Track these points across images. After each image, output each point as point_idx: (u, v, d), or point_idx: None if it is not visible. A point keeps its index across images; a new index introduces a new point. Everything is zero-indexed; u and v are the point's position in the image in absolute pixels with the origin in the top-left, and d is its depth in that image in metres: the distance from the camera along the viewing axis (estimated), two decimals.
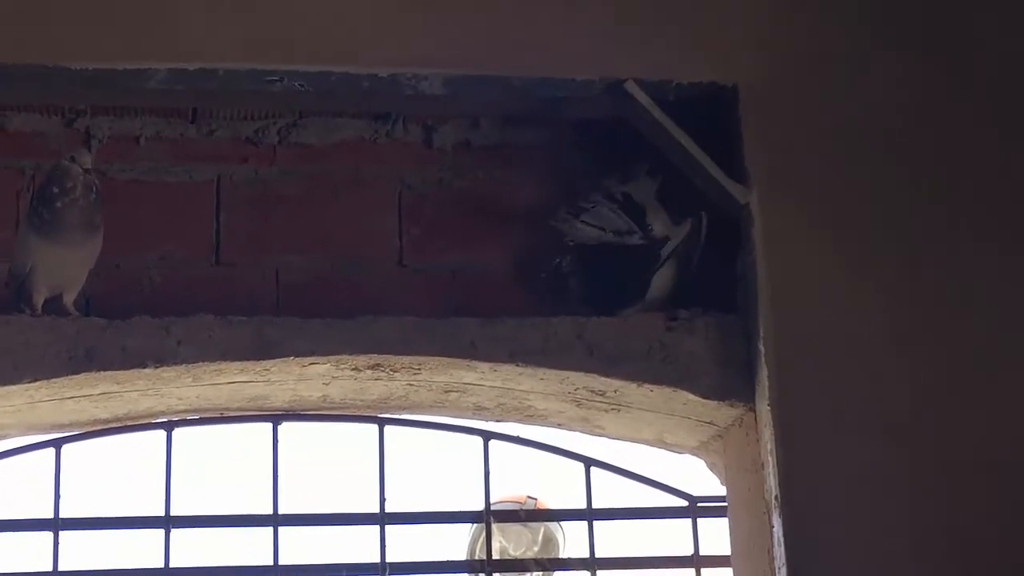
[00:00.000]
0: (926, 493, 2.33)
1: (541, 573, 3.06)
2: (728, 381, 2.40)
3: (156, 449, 2.49)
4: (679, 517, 2.61)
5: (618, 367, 2.39)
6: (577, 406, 2.51)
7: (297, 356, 2.34)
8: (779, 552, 2.30)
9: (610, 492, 2.61)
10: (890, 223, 2.43)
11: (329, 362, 2.37)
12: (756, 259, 2.40)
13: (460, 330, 2.38)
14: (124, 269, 2.46)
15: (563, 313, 2.43)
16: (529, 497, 3.11)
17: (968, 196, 2.46)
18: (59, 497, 2.46)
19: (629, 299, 2.45)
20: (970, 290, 2.42)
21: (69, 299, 2.37)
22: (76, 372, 2.29)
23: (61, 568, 2.43)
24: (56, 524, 2.45)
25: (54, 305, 2.36)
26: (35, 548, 2.45)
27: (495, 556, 2.63)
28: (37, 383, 2.29)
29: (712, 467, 2.61)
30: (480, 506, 2.58)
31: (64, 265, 2.34)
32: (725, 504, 2.54)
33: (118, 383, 2.35)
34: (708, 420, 2.48)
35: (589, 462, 2.58)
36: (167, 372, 2.33)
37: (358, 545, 2.54)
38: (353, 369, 2.40)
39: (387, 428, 2.54)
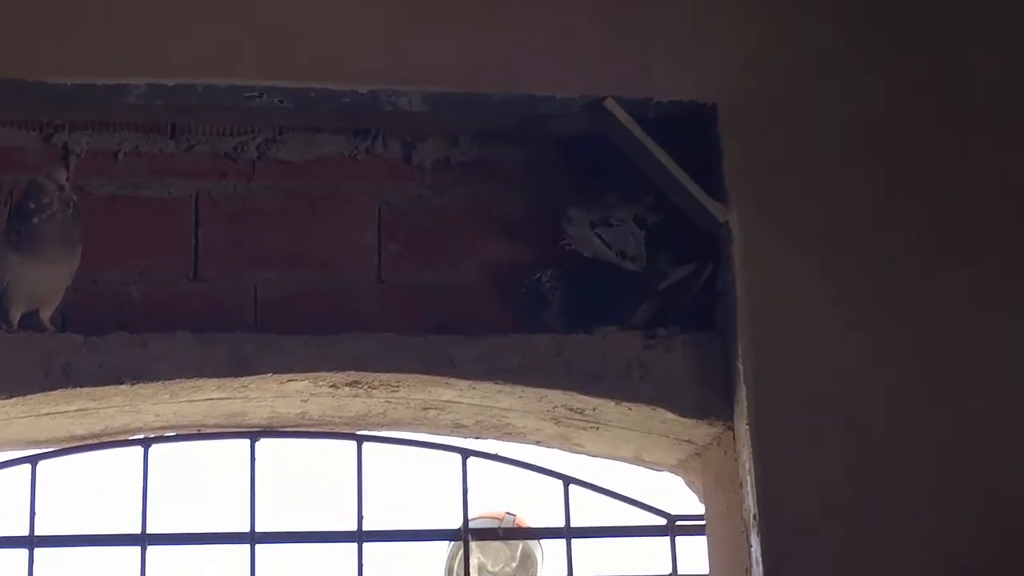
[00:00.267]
0: (906, 511, 2.33)
1: None
2: (706, 399, 2.40)
3: (133, 466, 2.48)
4: (657, 535, 2.61)
5: (597, 385, 2.39)
6: (556, 424, 2.51)
7: (275, 373, 2.33)
8: (757, 571, 2.30)
9: (588, 510, 2.61)
10: (869, 241, 2.44)
11: (307, 379, 2.36)
12: (735, 277, 2.40)
13: (439, 347, 2.38)
14: (101, 284, 2.45)
15: (541, 329, 2.43)
16: (508, 513, 3.11)
17: (948, 213, 2.46)
18: (34, 514, 2.44)
19: (609, 319, 2.44)
20: (950, 306, 2.42)
21: (46, 315, 2.36)
22: (52, 388, 2.28)
23: None
24: (31, 541, 2.43)
25: (30, 320, 2.35)
26: (10, 565, 2.44)
27: (473, 573, 2.62)
28: (12, 399, 2.28)
29: (690, 485, 2.61)
30: (458, 523, 2.57)
31: (41, 281, 2.33)
32: (703, 522, 2.54)
33: (95, 399, 2.34)
34: (686, 438, 2.48)
35: (567, 480, 2.57)
36: (144, 388, 2.32)
37: (336, 563, 2.53)
38: (331, 386, 2.39)
39: (365, 445, 2.53)
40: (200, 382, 2.33)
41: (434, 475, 2.69)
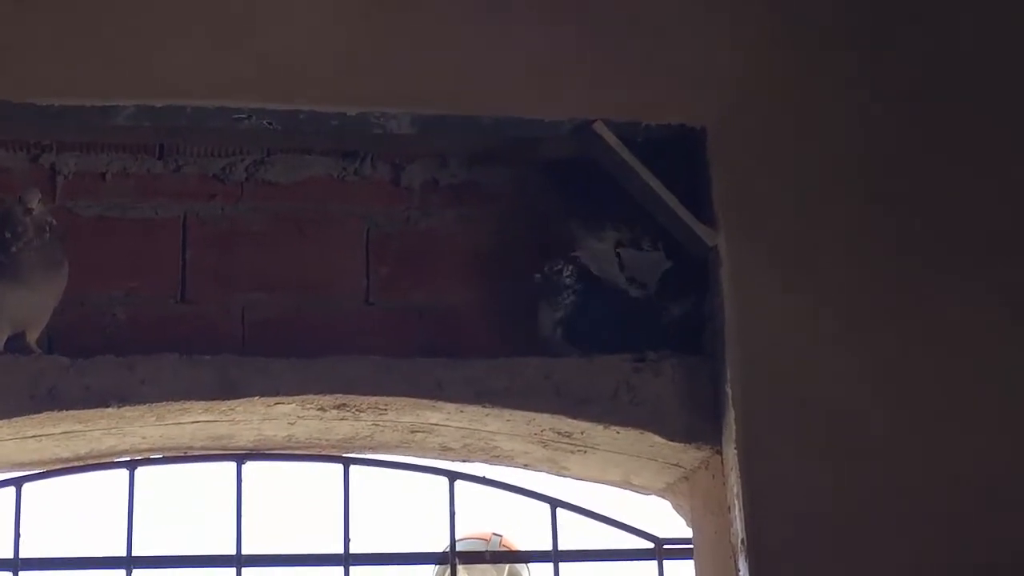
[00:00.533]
0: (895, 535, 2.33)
1: None
2: (695, 423, 2.40)
3: (118, 488, 2.47)
4: (645, 559, 2.60)
5: (585, 408, 2.38)
6: (544, 447, 2.51)
7: (262, 396, 2.33)
8: None
9: (576, 533, 2.60)
10: (860, 265, 2.44)
11: (295, 402, 2.35)
12: (724, 301, 2.40)
13: (426, 370, 2.37)
14: (88, 306, 2.44)
15: (532, 352, 2.42)
16: (494, 534, 3.10)
17: (938, 236, 2.47)
18: (19, 536, 2.42)
19: (604, 343, 2.44)
20: (939, 330, 2.43)
21: (32, 337, 2.35)
22: (38, 411, 2.27)
23: None
24: (16, 564, 2.41)
25: (16, 343, 2.34)
26: None
27: None
28: None
29: (679, 509, 2.60)
30: (446, 546, 2.56)
31: (26, 305, 2.32)
32: (691, 546, 2.54)
33: (80, 422, 2.33)
34: (675, 462, 2.48)
35: (555, 503, 2.57)
36: (130, 411, 2.31)
37: None
38: (319, 409, 2.39)
39: (352, 468, 2.52)
40: (187, 405, 2.32)
41: (421, 498, 2.68)
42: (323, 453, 2.55)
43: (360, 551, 2.51)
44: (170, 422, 2.38)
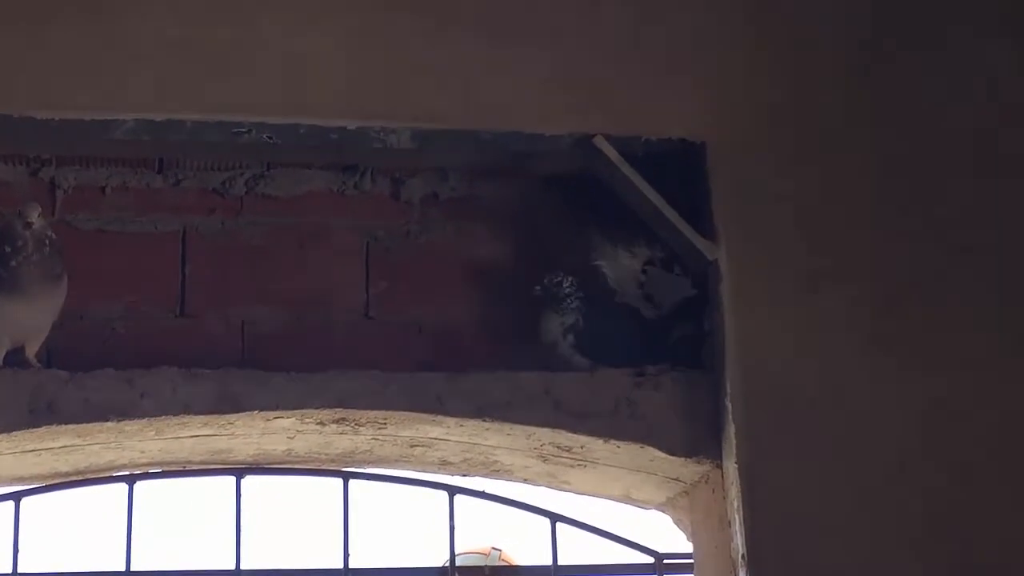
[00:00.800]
0: (895, 550, 2.33)
1: None
2: (695, 438, 2.39)
3: (118, 503, 2.46)
4: (645, 574, 2.59)
5: (585, 423, 2.38)
6: (544, 461, 2.50)
7: (262, 410, 2.32)
8: None
9: (576, 548, 2.60)
10: (859, 279, 2.44)
11: (294, 416, 2.35)
12: (724, 315, 2.40)
13: (426, 384, 2.37)
14: (87, 320, 2.44)
15: (532, 366, 2.42)
16: (494, 548, 3.09)
17: (939, 250, 2.47)
18: (18, 551, 2.42)
19: (605, 355, 2.43)
20: (941, 345, 2.42)
21: (31, 351, 2.35)
22: (37, 425, 2.27)
23: None
24: None
25: (15, 357, 2.34)
26: None
27: None
28: None
29: (679, 523, 2.60)
30: (445, 560, 2.56)
31: (25, 319, 2.32)
32: (691, 561, 2.54)
33: (80, 436, 2.32)
34: (675, 476, 2.47)
35: (555, 517, 2.56)
36: (129, 425, 2.31)
37: None
38: (318, 423, 2.38)
39: (352, 482, 2.52)
40: (186, 419, 2.32)
41: (421, 512, 2.67)
42: (322, 467, 2.55)
43: (360, 566, 2.50)
44: (169, 436, 2.37)
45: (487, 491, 2.58)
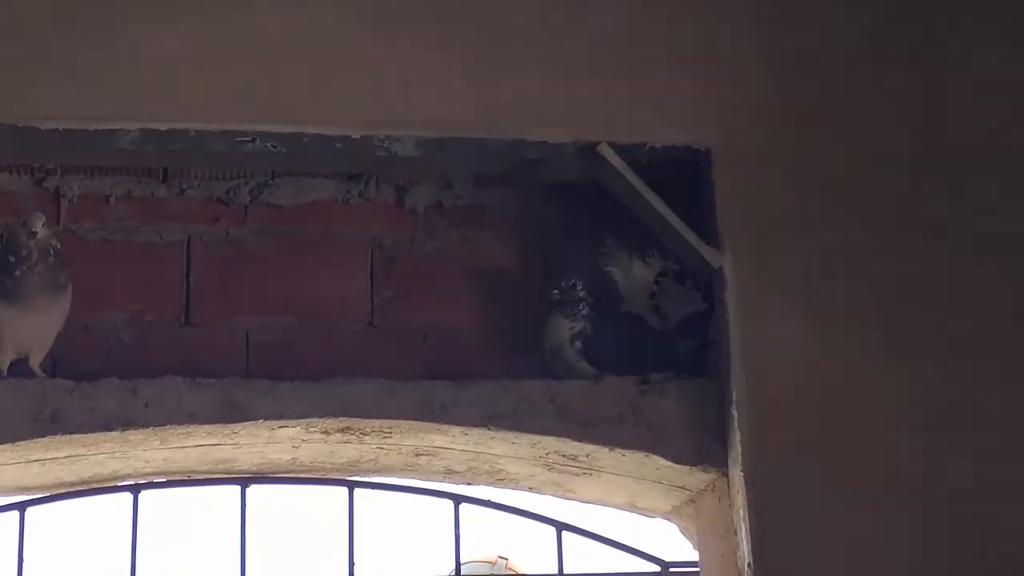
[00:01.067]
0: (901, 559, 2.32)
1: None
2: (701, 446, 2.39)
3: (122, 512, 2.46)
4: None
5: (590, 431, 2.38)
6: (549, 470, 2.50)
7: (266, 419, 2.32)
8: None
9: (582, 556, 2.59)
10: (865, 286, 2.44)
11: (299, 425, 2.35)
12: (729, 323, 2.40)
13: (431, 393, 2.36)
14: (92, 330, 2.44)
15: (537, 374, 2.41)
16: (500, 557, 3.09)
17: (945, 259, 2.46)
18: (23, 561, 2.42)
19: (610, 362, 2.43)
20: (945, 354, 2.42)
21: (36, 361, 2.35)
22: (42, 435, 2.27)
23: None
24: None
25: (20, 367, 2.34)
26: None
27: None
28: (2, 446, 2.27)
29: (685, 532, 2.59)
30: (451, 570, 2.55)
31: (30, 328, 2.32)
32: (698, 569, 2.53)
33: (84, 446, 2.32)
34: (680, 485, 2.47)
35: (560, 526, 2.56)
36: (134, 435, 2.30)
37: None
38: (323, 432, 2.38)
39: (357, 491, 2.52)
40: (191, 428, 2.32)
41: (426, 521, 2.67)
42: (327, 476, 2.54)
43: (365, 575, 2.50)
44: (174, 446, 2.37)
45: (492, 500, 2.58)
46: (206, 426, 2.32)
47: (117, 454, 2.38)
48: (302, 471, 2.53)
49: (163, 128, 2.36)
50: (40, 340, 2.34)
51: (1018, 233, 2.48)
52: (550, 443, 2.39)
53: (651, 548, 2.60)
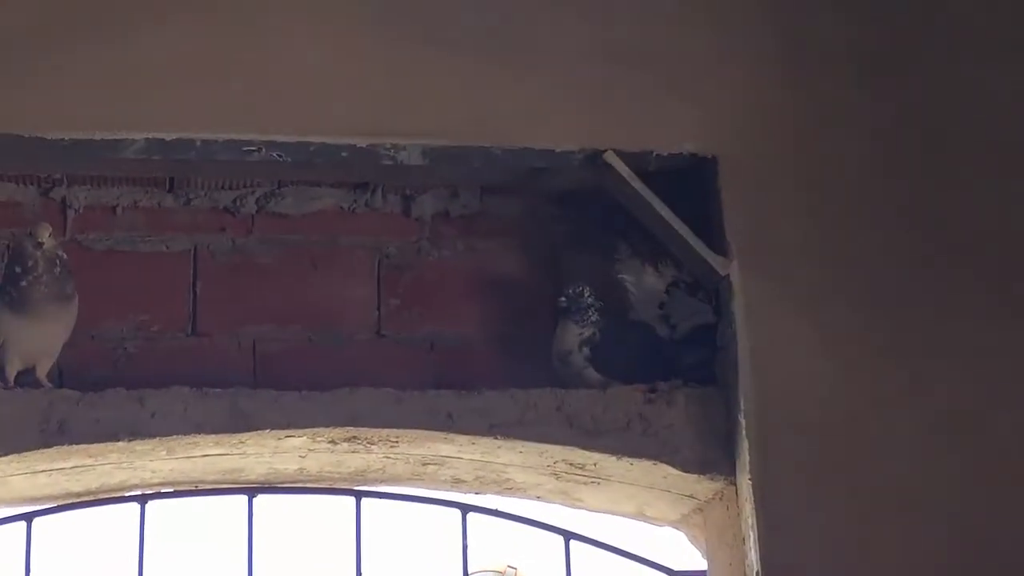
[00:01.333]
0: (909, 567, 2.31)
1: None
2: (708, 454, 2.38)
3: (129, 522, 2.45)
4: None
5: (598, 440, 2.37)
6: (556, 479, 2.49)
7: (273, 429, 2.32)
8: None
9: (590, 565, 2.58)
10: (871, 294, 2.43)
11: (305, 435, 2.34)
12: (736, 331, 2.39)
13: (438, 402, 2.36)
14: (98, 340, 2.44)
15: (544, 382, 2.41)
16: (508, 566, 3.08)
17: (951, 265, 2.46)
18: (29, 571, 2.41)
19: (618, 370, 2.43)
20: (952, 360, 2.41)
21: (42, 371, 2.35)
22: (48, 445, 2.27)
23: None
24: None
25: (27, 377, 2.34)
26: None
27: None
28: (8, 456, 2.27)
29: (693, 540, 2.58)
30: None
31: (37, 338, 2.33)
32: None
33: (91, 456, 2.32)
34: (689, 493, 2.46)
35: (568, 535, 2.55)
36: (141, 445, 2.30)
37: None
38: (330, 442, 2.37)
39: (364, 501, 2.51)
40: (198, 438, 2.31)
41: (434, 531, 2.66)
42: (335, 486, 2.54)
43: None
44: (181, 455, 2.37)
45: (500, 509, 2.57)
46: (213, 436, 2.32)
47: (124, 464, 2.37)
48: (309, 481, 2.52)
49: (169, 138, 2.36)
50: (47, 350, 2.34)
51: (1018, 233, 2.47)
52: (557, 452, 2.39)
53: (659, 557, 2.59)
